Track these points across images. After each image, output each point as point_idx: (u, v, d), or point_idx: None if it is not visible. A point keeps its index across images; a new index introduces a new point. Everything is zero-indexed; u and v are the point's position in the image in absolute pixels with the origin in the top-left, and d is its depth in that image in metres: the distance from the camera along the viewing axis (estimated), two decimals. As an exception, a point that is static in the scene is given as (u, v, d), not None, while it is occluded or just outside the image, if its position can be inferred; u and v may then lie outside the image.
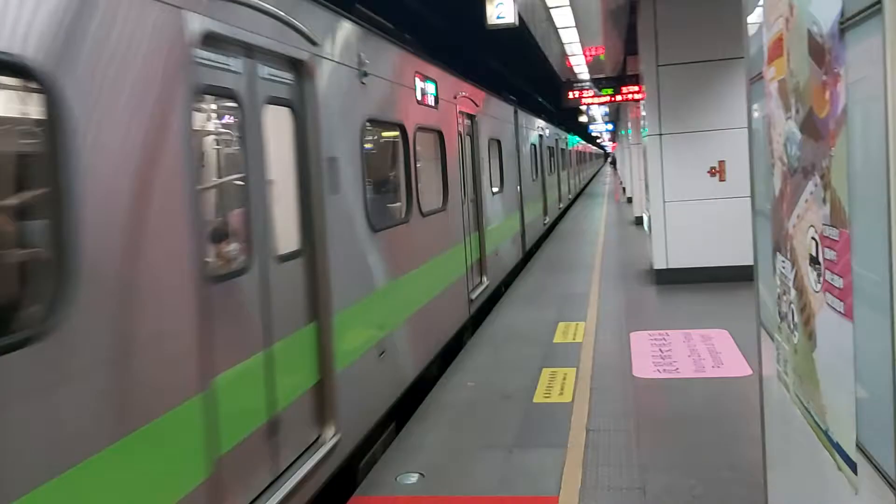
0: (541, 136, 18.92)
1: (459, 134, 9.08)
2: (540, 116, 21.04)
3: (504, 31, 9.81)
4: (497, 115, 12.12)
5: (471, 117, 9.95)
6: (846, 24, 1.92)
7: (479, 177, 10.19)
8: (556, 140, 24.38)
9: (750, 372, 6.37)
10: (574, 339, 8.19)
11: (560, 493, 4.57)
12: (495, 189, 11.50)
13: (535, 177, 17.01)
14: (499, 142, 12.02)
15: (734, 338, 7.60)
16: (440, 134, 8.07)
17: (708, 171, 10.53)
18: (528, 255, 14.96)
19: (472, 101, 9.85)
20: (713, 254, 10.32)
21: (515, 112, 14.32)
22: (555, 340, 8.20)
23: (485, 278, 9.94)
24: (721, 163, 10.47)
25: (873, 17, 1.74)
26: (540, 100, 39.70)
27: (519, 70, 30.65)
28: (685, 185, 10.63)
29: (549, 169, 20.80)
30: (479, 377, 7.09)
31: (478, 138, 10.26)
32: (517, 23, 9.32)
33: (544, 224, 18.70)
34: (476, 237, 9.70)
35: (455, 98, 8.87)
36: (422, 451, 5.39)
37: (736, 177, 10.10)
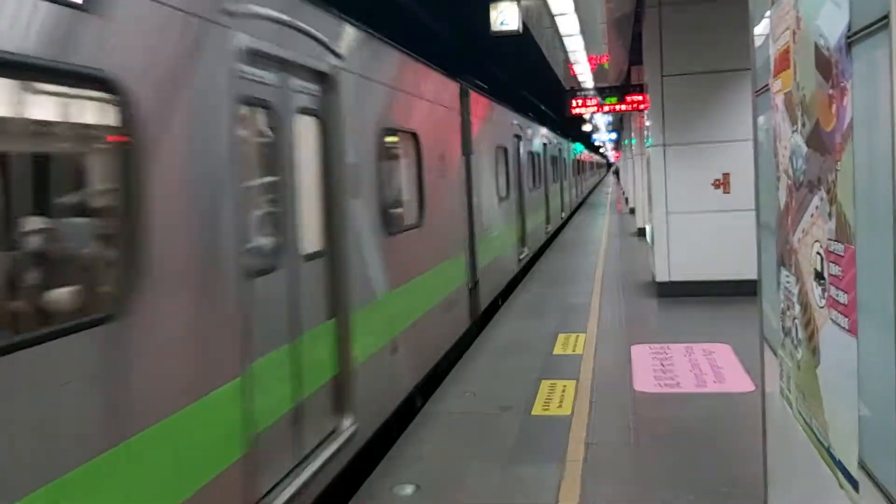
0: (518, 136, 14.06)
1: (262, 107, 4.24)
2: (525, 115, 16.42)
3: (508, 38, 9.82)
4: (411, 89, 7.09)
5: (319, 77, 4.91)
6: (853, 37, 1.89)
7: (342, 205, 5.11)
8: (546, 146, 19.34)
9: (752, 387, 6.32)
10: (574, 350, 8.14)
11: (558, 507, 4.53)
12: (402, 224, 6.56)
13: (505, 194, 12.16)
14: (417, 137, 7.04)
15: (736, 353, 7.55)
16: (122, 102, 2.90)
17: (712, 184, 10.49)
18: (484, 318, 10.01)
19: (314, 39, 4.78)
20: (716, 267, 10.27)
21: (464, 95, 9.29)
22: (554, 352, 8.15)
23: (346, 420, 4.96)
24: (725, 175, 10.43)
25: (880, 32, 1.72)
26: (543, 108, 39.77)
27: (523, 78, 30.74)
28: (689, 197, 10.59)
29: (532, 183, 15.83)
30: (478, 388, 7.04)
31: (342, 125, 5.15)
32: (521, 30, 9.33)
33: (520, 259, 13.74)
34: (327, 332, 4.88)
35: (229, 15, 3.71)
36: (418, 462, 5.35)
37: (740, 189, 10.07)
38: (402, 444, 5.72)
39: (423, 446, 5.64)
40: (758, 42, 3.33)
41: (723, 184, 10.43)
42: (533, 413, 6.21)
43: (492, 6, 9.11)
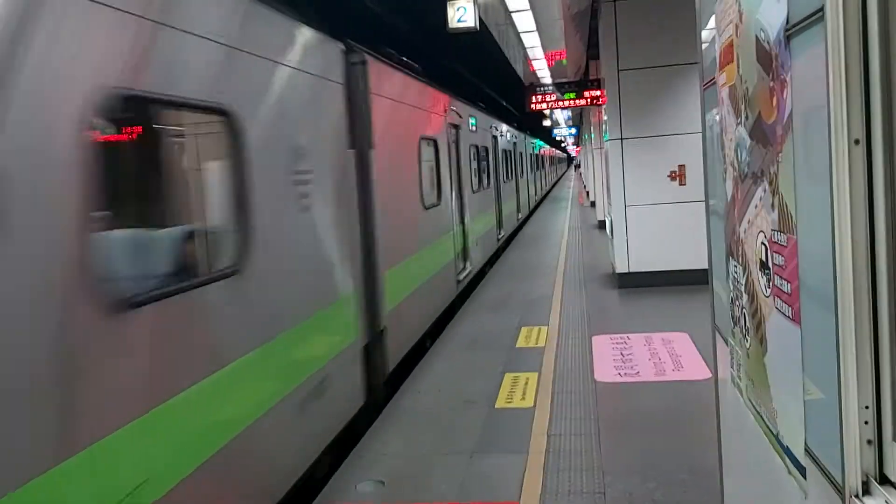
0: (457, 126, 11.45)
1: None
2: (473, 103, 14.05)
3: (466, 35, 9.82)
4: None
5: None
6: (791, 30, 1.93)
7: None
8: (497, 138, 16.67)
9: (709, 375, 6.42)
10: (537, 343, 8.20)
11: (521, 499, 4.56)
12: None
13: (436, 200, 9.64)
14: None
15: (694, 341, 7.67)
16: None
17: (668, 175, 10.64)
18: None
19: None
20: (674, 257, 10.42)
21: (356, 64, 6.37)
22: (518, 345, 8.20)
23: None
24: (681, 167, 10.58)
25: (816, 25, 1.75)
26: (504, 104, 39.88)
27: (482, 74, 30.80)
28: (646, 190, 10.72)
29: (478, 183, 13.50)
30: (442, 382, 7.06)
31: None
32: (478, 27, 9.33)
33: (459, 281, 10.83)
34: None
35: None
36: (383, 459, 5.35)
37: (696, 181, 10.23)
38: (367, 441, 5.71)
39: (387, 443, 5.65)
40: (707, 36, 3.38)
41: (679, 176, 10.58)
42: (497, 406, 6.25)
43: (449, 3, 9.10)
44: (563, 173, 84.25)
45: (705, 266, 3.78)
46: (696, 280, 9.48)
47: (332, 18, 6.40)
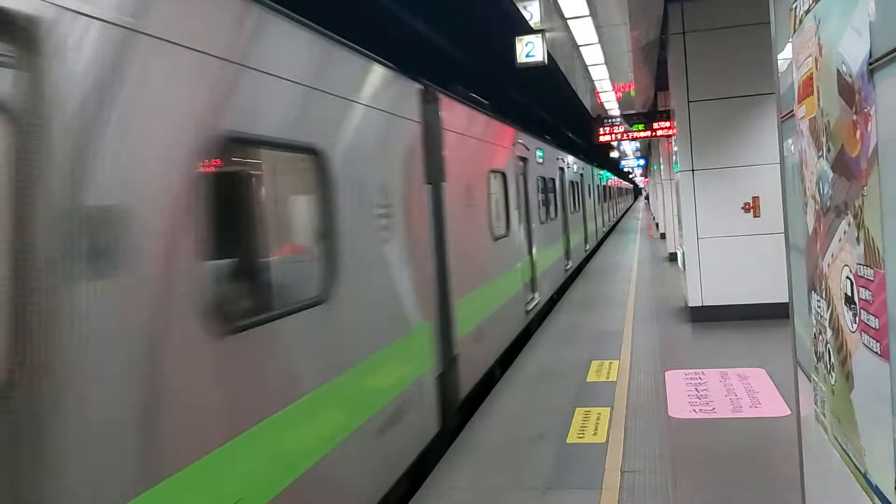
0: (524, 159, 11.60)
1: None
2: (541, 137, 14.32)
3: (533, 69, 9.91)
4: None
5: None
6: (875, 64, 1.92)
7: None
8: (563, 170, 16.73)
9: (788, 412, 6.24)
10: (608, 377, 8.10)
11: (595, 536, 4.50)
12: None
13: (504, 231, 9.80)
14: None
15: (772, 377, 7.46)
16: None
17: (742, 207, 10.45)
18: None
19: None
20: (749, 291, 10.19)
21: (428, 101, 6.62)
22: (588, 379, 8.11)
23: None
24: (755, 199, 10.38)
25: (902, 58, 1.74)
26: (570, 135, 39.84)
27: (548, 106, 30.85)
28: (719, 222, 10.55)
29: (544, 215, 13.60)
30: (512, 416, 7.03)
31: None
32: (546, 61, 9.42)
33: (527, 312, 10.90)
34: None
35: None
36: (454, 493, 5.35)
37: (771, 213, 10.03)
38: (438, 474, 5.72)
39: (458, 476, 5.65)
40: (782, 67, 3.36)
41: (753, 207, 10.37)
42: (568, 441, 6.19)
43: (517, 38, 9.22)
44: (631, 205, 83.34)
45: (781, 300, 3.71)
46: (771, 314, 9.29)
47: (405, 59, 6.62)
